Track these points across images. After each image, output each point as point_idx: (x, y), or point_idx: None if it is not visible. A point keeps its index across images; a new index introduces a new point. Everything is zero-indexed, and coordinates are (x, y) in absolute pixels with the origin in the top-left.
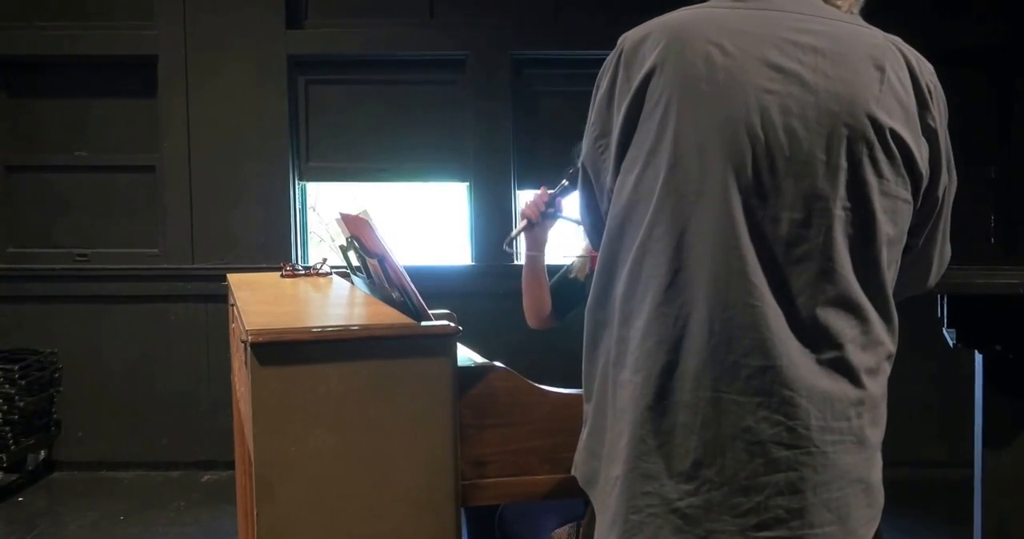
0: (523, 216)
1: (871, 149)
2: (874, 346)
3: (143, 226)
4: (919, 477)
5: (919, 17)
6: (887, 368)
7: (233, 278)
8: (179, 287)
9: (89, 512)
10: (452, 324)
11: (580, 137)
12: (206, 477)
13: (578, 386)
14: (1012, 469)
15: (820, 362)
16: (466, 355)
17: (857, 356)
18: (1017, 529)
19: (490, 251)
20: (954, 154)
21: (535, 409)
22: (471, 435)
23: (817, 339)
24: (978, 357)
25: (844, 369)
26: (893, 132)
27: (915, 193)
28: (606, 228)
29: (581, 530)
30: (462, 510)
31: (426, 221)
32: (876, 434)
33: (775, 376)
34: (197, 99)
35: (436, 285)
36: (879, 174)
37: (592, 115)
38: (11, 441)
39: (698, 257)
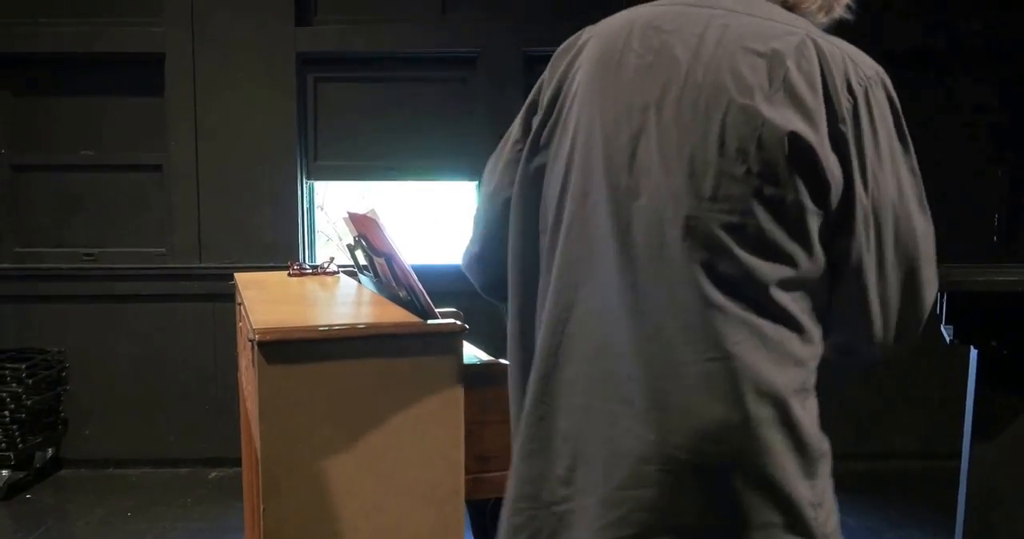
0: None
1: (749, 145)
2: (776, 362)
3: (150, 225)
4: (901, 468)
5: (920, 17)
6: (792, 387)
7: (240, 277)
8: (186, 286)
9: (97, 509)
10: (459, 322)
11: None
12: (213, 474)
13: None
14: (998, 461)
15: (695, 375)
16: (472, 353)
17: (738, 373)
18: (1001, 518)
19: None
20: (959, 155)
21: None
22: (475, 431)
23: (692, 351)
24: (973, 353)
25: (723, 387)
26: (777, 129)
27: (820, 202)
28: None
29: None
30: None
31: (434, 220)
32: (772, 462)
33: (643, 387)
34: (205, 98)
35: (443, 284)
36: (755, 172)
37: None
38: (19, 439)
39: (578, 258)
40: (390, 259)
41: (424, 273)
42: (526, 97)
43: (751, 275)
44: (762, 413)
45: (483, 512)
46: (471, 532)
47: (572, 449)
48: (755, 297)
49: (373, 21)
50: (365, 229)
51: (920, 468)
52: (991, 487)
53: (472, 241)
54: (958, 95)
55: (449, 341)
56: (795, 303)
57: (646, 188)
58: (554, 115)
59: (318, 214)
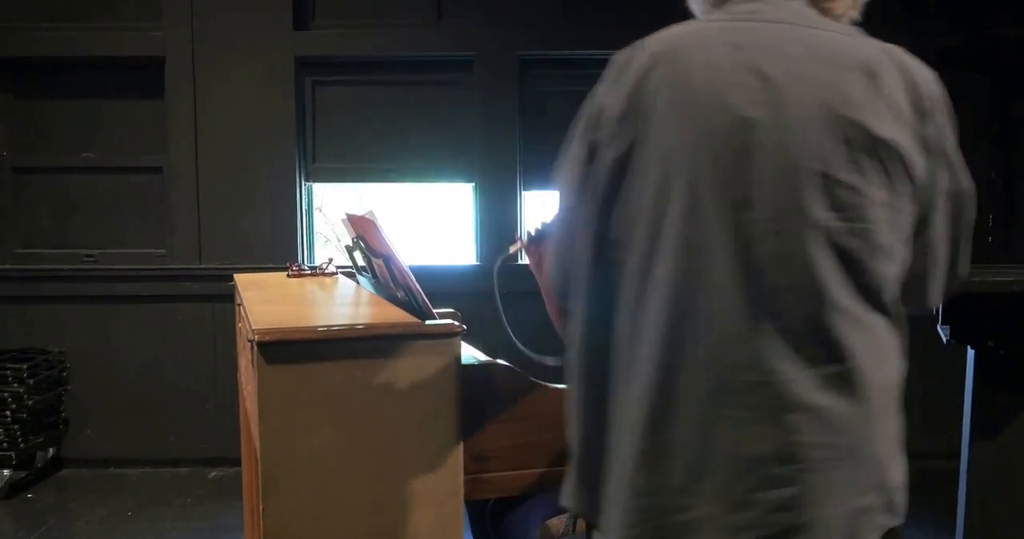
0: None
1: (862, 156)
2: (880, 359)
3: (151, 227)
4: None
5: (921, 18)
6: (895, 380)
7: (240, 278)
8: (186, 287)
9: (97, 508)
10: (456, 323)
11: None
12: (213, 473)
13: None
14: (997, 460)
15: (818, 377)
16: (469, 353)
17: (859, 371)
18: (1000, 517)
19: (495, 251)
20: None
21: (536, 405)
22: (474, 431)
23: (815, 353)
24: (970, 353)
25: (844, 384)
26: (884, 139)
27: (913, 201)
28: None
29: (577, 520)
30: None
31: (432, 221)
32: (884, 448)
33: (770, 392)
34: (205, 100)
35: (441, 285)
36: (871, 181)
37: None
38: (20, 439)
39: (691, 271)
40: (388, 260)
41: (421, 274)
42: (521, 100)
43: (872, 278)
44: (878, 405)
45: (483, 512)
46: (471, 532)
47: (692, 459)
48: (873, 298)
49: (370, 25)
50: (363, 230)
51: (919, 468)
52: (991, 486)
53: (558, 260)
54: (953, 95)
55: (447, 341)
56: (895, 298)
57: (762, 201)
58: (629, 131)
59: (317, 216)
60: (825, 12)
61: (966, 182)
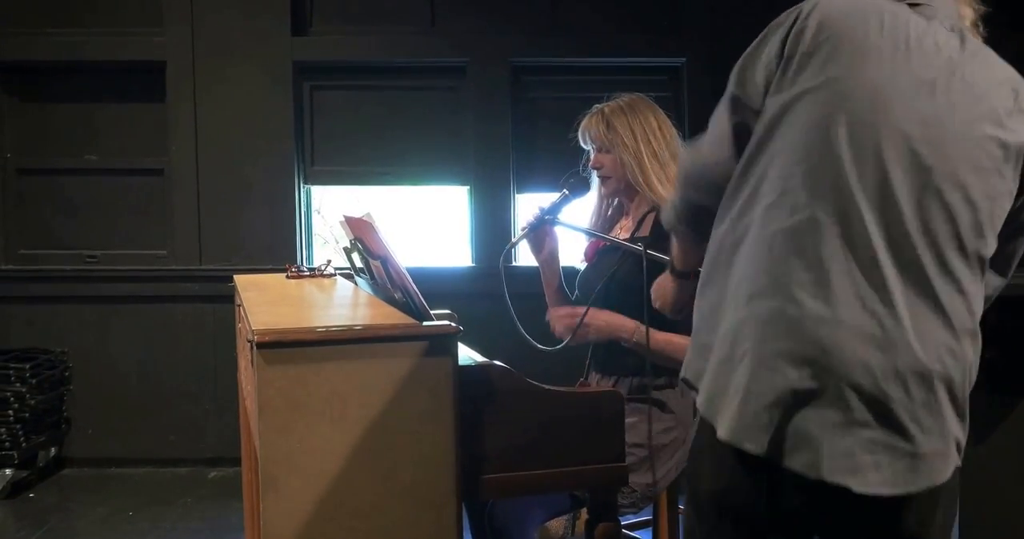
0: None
1: (1001, 162)
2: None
3: (151, 228)
4: None
5: None
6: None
7: (240, 279)
8: (187, 288)
9: (98, 508)
10: (453, 324)
11: (578, 142)
12: (213, 473)
13: (573, 384)
14: (995, 463)
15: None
16: (466, 354)
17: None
18: (998, 520)
19: (490, 253)
20: None
21: (533, 406)
22: (471, 432)
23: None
24: None
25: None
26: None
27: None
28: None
29: (576, 521)
30: (463, 505)
31: (428, 224)
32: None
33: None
34: (205, 104)
35: (437, 286)
36: (1010, 190)
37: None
38: (22, 438)
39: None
40: (385, 262)
41: (418, 276)
42: (513, 104)
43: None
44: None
45: (482, 513)
46: (470, 534)
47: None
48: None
49: (367, 31)
50: (361, 232)
51: None
52: (988, 488)
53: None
54: None
55: (444, 342)
56: None
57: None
58: (806, 70)
59: (315, 218)
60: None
61: None
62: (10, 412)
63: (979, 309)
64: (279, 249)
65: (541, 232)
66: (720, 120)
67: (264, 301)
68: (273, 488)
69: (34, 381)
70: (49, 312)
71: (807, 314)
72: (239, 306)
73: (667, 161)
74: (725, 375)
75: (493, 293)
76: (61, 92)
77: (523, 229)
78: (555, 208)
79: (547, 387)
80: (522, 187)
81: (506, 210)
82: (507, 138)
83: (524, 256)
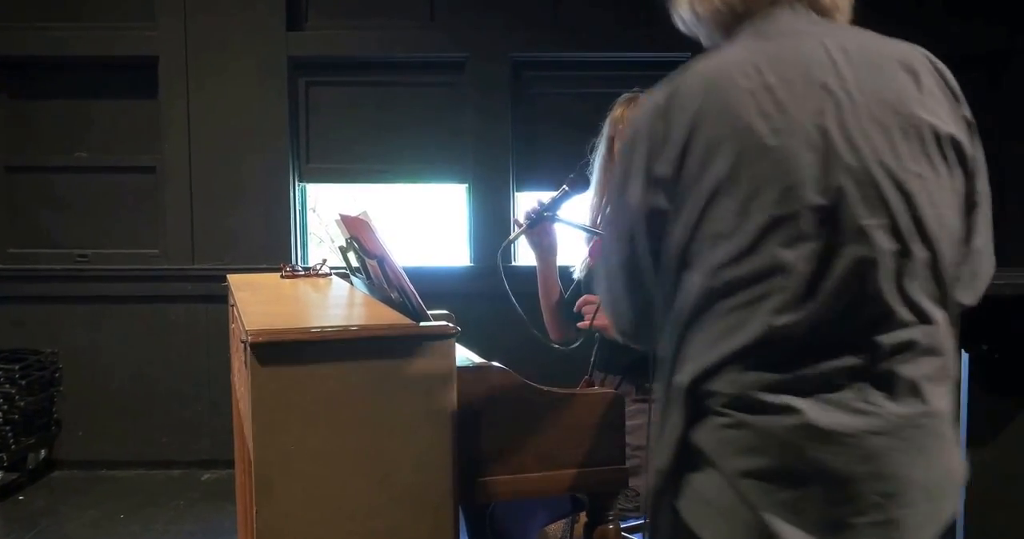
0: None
1: (928, 149)
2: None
3: (144, 227)
4: None
5: (928, 20)
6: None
7: (233, 279)
8: (179, 287)
9: (89, 511)
10: (451, 324)
11: (579, 139)
12: (206, 476)
13: (573, 385)
14: (995, 464)
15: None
16: (464, 355)
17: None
18: (998, 521)
19: (489, 252)
20: None
21: (532, 408)
22: (468, 434)
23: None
24: (964, 357)
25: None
26: (940, 129)
27: (970, 189)
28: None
29: (575, 525)
30: (460, 508)
31: (425, 222)
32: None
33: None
34: (198, 100)
35: (435, 286)
36: (939, 173)
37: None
38: (12, 440)
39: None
40: (382, 261)
41: (415, 275)
42: (513, 101)
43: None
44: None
45: (481, 517)
46: (467, 536)
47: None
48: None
49: (363, 26)
50: (357, 231)
51: None
52: (988, 489)
53: (629, 308)
54: None
55: (441, 343)
56: None
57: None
58: (695, 171)
59: (310, 216)
60: (833, 19)
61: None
62: None
63: None
64: (274, 248)
65: (540, 228)
66: None
67: (258, 301)
68: (267, 491)
69: (24, 382)
70: (39, 312)
71: None
72: (233, 306)
73: None
74: None
75: (492, 293)
76: (51, 88)
77: (521, 223)
78: (555, 204)
79: (546, 389)
80: (522, 185)
81: (505, 209)
82: (507, 135)
83: (523, 255)
